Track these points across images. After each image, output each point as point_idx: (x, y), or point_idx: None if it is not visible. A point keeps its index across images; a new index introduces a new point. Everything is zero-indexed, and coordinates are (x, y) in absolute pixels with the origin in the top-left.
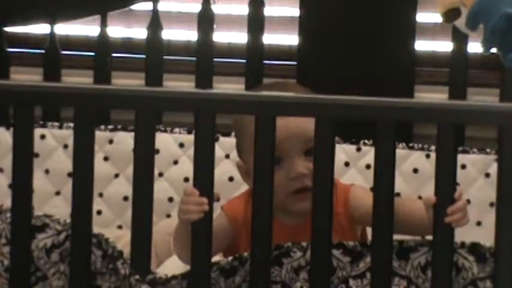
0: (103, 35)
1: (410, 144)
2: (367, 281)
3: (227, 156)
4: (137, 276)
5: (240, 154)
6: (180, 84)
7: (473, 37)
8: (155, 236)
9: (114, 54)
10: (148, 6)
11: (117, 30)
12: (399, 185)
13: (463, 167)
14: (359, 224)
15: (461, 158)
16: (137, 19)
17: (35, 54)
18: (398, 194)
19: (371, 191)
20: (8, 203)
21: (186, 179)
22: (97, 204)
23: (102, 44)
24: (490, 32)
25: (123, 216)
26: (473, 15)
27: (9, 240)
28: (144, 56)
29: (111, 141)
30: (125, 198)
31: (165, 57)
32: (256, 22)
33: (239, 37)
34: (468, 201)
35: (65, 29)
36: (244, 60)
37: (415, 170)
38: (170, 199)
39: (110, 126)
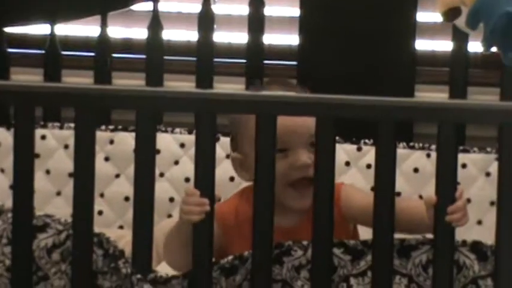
0: (103, 35)
1: (411, 144)
2: (368, 279)
3: (228, 156)
4: (139, 276)
5: (235, 147)
6: (181, 84)
7: (474, 36)
8: (156, 235)
9: (114, 55)
10: (148, 6)
11: (117, 31)
12: (400, 185)
13: (464, 166)
14: (351, 222)
15: (461, 157)
16: (137, 19)
17: (35, 55)
18: (399, 194)
19: (363, 190)
20: (9, 203)
21: (187, 179)
22: (98, 204)
23: (103, 44)
24: (490, 31)
25: (124, 217)
26: (474, 14)
27: (10, 240)
28: (144, 56)
29: (112, 142)
30: (126, 199)
31: (166, 57)
32: (256, 22)
33: (239, 37)
34: (469, 200)
35: (65, 29)
36: (244, 60)
37: (416, 170)
38: (171, 199)
39: (111, 127)
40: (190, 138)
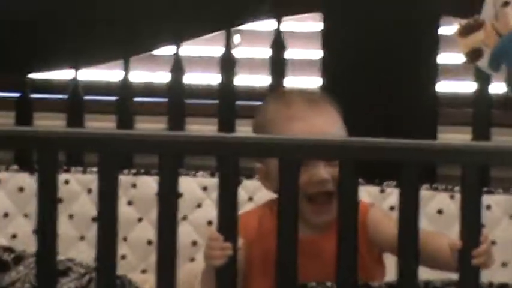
0: (125, 80)
1: (435, 185)
2: None
3: (250, 199)
4: None
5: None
6: (203, 127)
7: (497, 77)
8: (179, 279)
9: (136, 99)
10: (170, 50)
11: (139, 74)
12: (424, 227)
13: (488, 207)
14: (376, 246)
15: (486, 199)
16: (159, 63)
17: (58, 100)
18: None
19: (391, 216)
20: (32, 248)
21: (210, 222)
22: (121, 248)
23: (125, 89)
24: None
25: (148, 260)
26: (496, 56)
27: (33, 286)
28: (166, 100)
29: (134, 185)
30: (149, 242)
31: (187, 100)
32: (277, 64)
33: (261, 80)
34: (493, 242)
35: (87, 73)
36: None
37: (440, 211)
38: (194, 243)
39: (133, 170)
40: (212, 182)
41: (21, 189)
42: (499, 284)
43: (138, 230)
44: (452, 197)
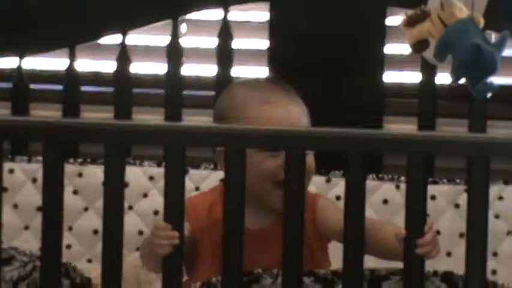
0: (71, 68)
1: (380, 175)
2: None
3: (197, 189)
4: None
5: None
6: (149, 117)
7: (442, 68)
8: (125, 269)
9: (82, 88)
10: (117, 39)
11: (85, 63)
12: (370, 216)
13: (433, 197)
14: (325, 236)
15: (431, 189)
16: (105, 52)
17: (3, 88)
18: None
19: (339, 207)
20: None
21: (156, 212)
22: (66, 237)
23: (71, 78)
24: (458, 63)
25: (93, 250)
26: (442, 47)
27: None
28: (112, 89)
29: (80, 175)
30: (95, 232)
31: (134, 90)
32: (225, 54)
33: (208, 70)
34: (438, 232)
35: (33, 62)
36: (213, 93)
37: (385, 201)
38: (140, 232)
39: (79, 160)
40: (159, 171)
41: None
42: (443, 272)
43: (83, 219)
44: (397, 186)
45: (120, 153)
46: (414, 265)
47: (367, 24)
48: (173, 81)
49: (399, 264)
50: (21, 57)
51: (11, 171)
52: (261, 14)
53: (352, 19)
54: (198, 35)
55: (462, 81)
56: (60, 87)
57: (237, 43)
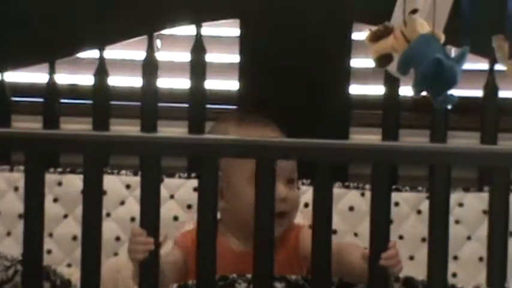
0: (51, 82)
1: (346, 184)
2: None
3: (171, 197)
4: None
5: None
6: (126, 128)
7: (405, 81)
8: (103, 273)
9: (62, 100)
10: (95, 54)
11: (64, 77)
12: (336, 222)
13: (396, 204)
14: (306, 263)
15: (394, 196)
16: (84, 66)
17: None
18: (335, 231)
19: None
20: None
21: (133, 219)
22: (47, 243)
23: (51, 90)
24: (420, 76)
25: (73, 255)
26: (405, 61)
27: None
28: (91, 102)
29: (60, 183)
30: (74, 238)
31: (111, 102)
32: (198, 68)
33: (182, 82)
34: (401, 237)
35: (14, 76)
36: (187, 105)
37: (351, 208)
38: (117, 238)
39: (59, 169)
40: (135, 180)
41: None
42: (405, 277)
43: (63, 225)
44: (363, 194)
45: (99, 163)
46: (379, 271)
47: (334, 39)
48: (149, 94)
49: None
50: (2, 71)
51: None
52: (232, 30)
53: (320, 34)
54: (172, 49)
55: (424, 93)
56: (40, 99)
57: (209, 57)
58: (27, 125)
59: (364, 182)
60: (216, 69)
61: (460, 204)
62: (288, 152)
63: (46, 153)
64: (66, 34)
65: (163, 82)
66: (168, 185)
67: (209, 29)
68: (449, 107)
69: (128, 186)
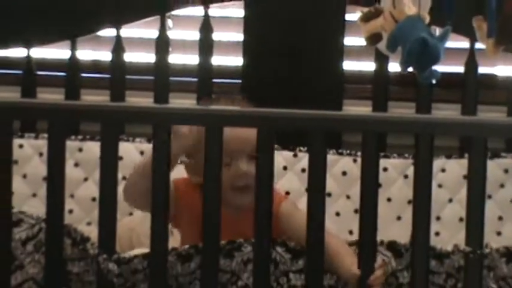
0: (73, 57)
1: (340, 151)
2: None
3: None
4: (105, 256)
5: (187, 155)
6: (141, 100)
7: (393, 58)
8: (119, 231)
9: (83, 74)
10: (113, 32)
11: (85, 53)
12: (330, 186)
13: (385, 169)
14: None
15: (383, 162)
16: (102, 43)
17: (14, 75)
18: (329, 194)
19: (303, 211)
20: None
21: None
22: (68, 204)
23: (73, 65)
24: (407, 54)
25: (92, 214)
26: (393, 39)
27: None
28: (109, 76)
29: (80, 150)
30: (93, 199)
31: (128, 76)
32: (206, 46)
33: (192, 59)
34: (389, 199)
35: (40, 52)
36: (195, 79)
37: (344, 173)
38: None
39: (80, 137)
40: (149, 147)
41: None
42: (388, 241)
43: (83, 188)
44: (355, 160)
45: (115, 131)
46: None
47: (329, 20)
48: (161, 69)
49: None
50: (29, 48)
51: (21, 146)
52: (237, 11)
53: (317, 16)
54: (182, 28)
55: (410, 69)
56: (63, 73)
57: (216, 36)
58: (51, 96)
59: (356, 150)
60: (222, 47)
61: (443, 170)
62: (286, 121)
63: (67, 121)
64: (86, 14)
65: (175, 58)
66: None
67: (216, 10)
68: (433, 81)
69: (141, 153)
